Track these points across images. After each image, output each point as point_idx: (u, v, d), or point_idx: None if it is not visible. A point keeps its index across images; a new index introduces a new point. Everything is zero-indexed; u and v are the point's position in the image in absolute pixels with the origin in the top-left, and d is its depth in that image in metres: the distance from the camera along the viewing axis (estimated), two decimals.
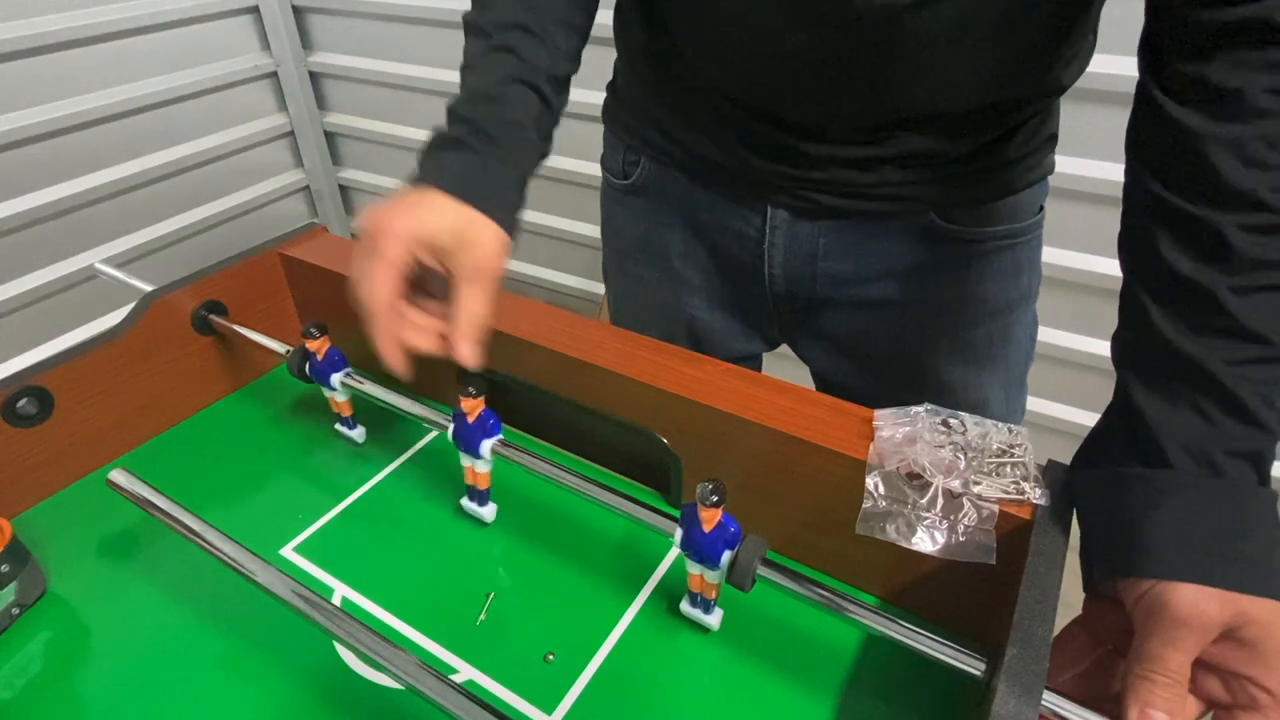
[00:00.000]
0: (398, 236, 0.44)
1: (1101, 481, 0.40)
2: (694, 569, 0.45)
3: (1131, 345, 0.42)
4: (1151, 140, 0.42)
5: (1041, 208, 0.64)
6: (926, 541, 0.43)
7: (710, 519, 0.42)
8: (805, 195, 0.59)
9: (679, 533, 0.44)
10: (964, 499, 0.42)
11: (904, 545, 0.43)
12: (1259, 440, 0.37)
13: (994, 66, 0.50)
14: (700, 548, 0.43)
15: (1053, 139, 0.61)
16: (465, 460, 0.53)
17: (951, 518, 0.43)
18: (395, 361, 0.45)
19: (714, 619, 0.48)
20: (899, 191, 0.58)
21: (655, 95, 0.64)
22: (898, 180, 0.57)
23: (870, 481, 0.44)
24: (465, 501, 0.56)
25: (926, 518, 0.43)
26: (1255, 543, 0.35)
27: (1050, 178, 0.63)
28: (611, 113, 0.71)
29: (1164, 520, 0.36)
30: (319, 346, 0.58)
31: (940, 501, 0.43)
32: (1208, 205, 0.38)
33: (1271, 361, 0.37)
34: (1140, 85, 0.43)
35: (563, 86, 0.54)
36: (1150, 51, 0.43)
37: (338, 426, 0.64)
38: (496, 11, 0.53)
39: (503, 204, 0.48)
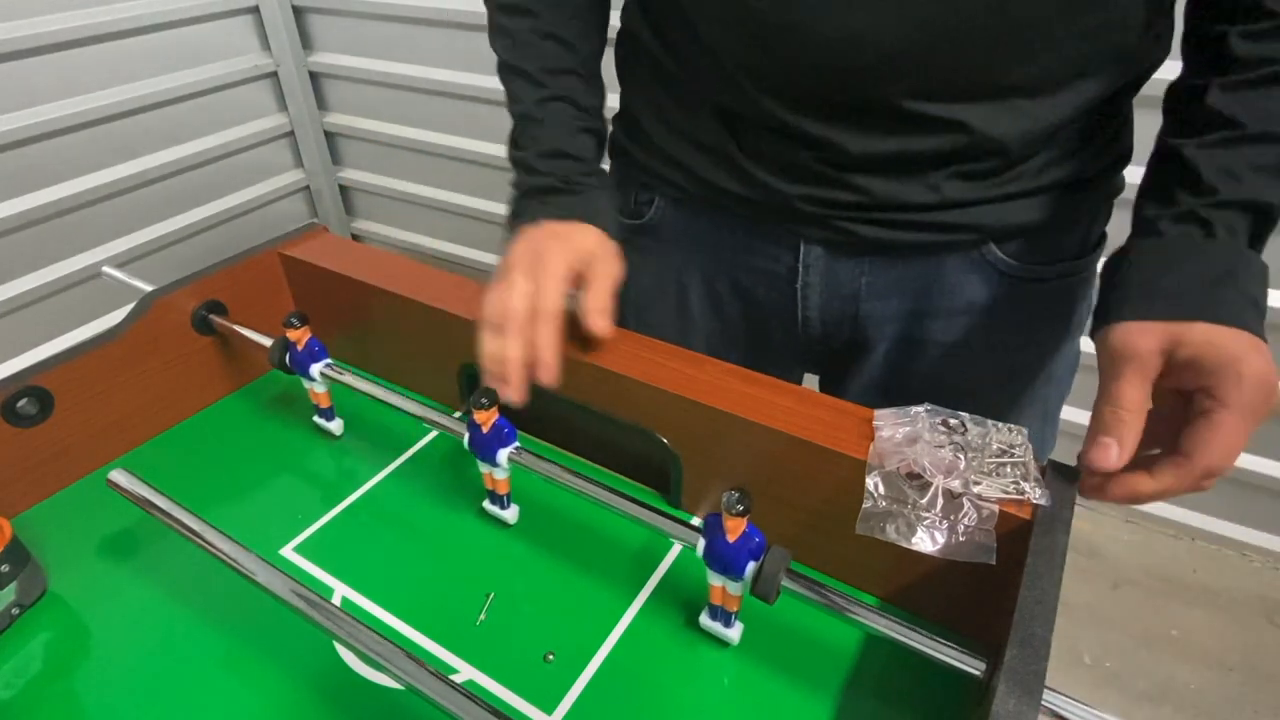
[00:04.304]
0: (561, 253, 0.51)
1: (1104, 267, 0.47)
2: (715, 580, 0.45)
3: (1150, 167, 0.48)
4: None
5: (1104, 235, 0.60)
6: (926, 541, 0.43)
7: (735, 528, 0.42)
8: (842, 226, 0.55)
9: (701, 543, 0.44)
10: (964, 499, 0.42)
11: (904, 545, 0.43)
12: (1205, 207, 0.43)
13: (1089, 29, 0.46)
14: (724, 558, 0.43)
15: (1124, 159, 0.57)
16: (484, 467, 0.53)
17: (952, 518, 0.43)
18: (527, 377, 0.50)
19: (734, 633, 0.47)
20: (953, 217, 0.53)
21: (667, 125, 0.60)
22: (954, 198, 0.52)
23: (870, 481, 0.44)
24: (487, 504, 0.56)
25: (926, 518, 0.43)
26: (1186, 279, 0.41)
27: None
28: (619, 147, 0.66)
29: (1118, 280, 0.44)
30: (299, 337, 0.59)
31: (940, 501, 0.43)
32: (1224, 21, 0.45)
33: (1238, 142, 0.43)
34: None
35: (604, 105, 0.61)
36: None
37: (316, 419, 0.64)
38: (538, 55, 0.58)
39: (611, 223, 0.57)
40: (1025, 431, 0.45)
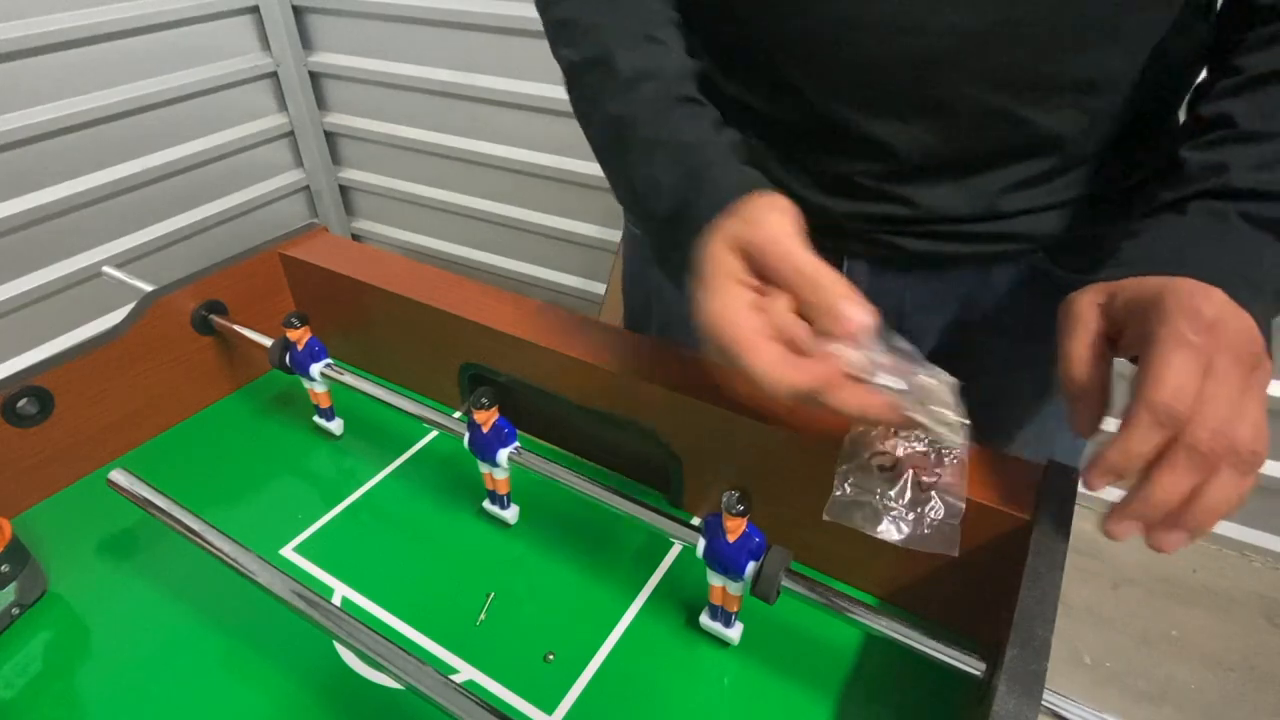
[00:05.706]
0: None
1: None
2: (715, 580, 0.45)
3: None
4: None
5: None
6: (892, 531, 0.42)
7: (735, 528, 0.42)
8: (888, 241, 0.52)
9: (701, 543, 0.44)
10: (932, 493, 0.42)
11: (869, 534, 0.43)
12: (1182, 198, 0.42)
13: (1150, 23, 0.46)
14: (724, 558, 0.43)
15: None
16: (484, 467, 0.53)
17: (919, 510, 0.43)
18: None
19: (734, 633, 0.47)
20: (1002, 227, 0.51)
21: None
22: (1004, 209, 0.50)
23: (842, 469, 0.44)
24: (487, 504, 0.56)
25: (894, 509, 0.43)
26: (1135, 248, 0.41)
27: None
28: None
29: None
30: (299, 337, 0.59)
31: (909, 494, 0.43)
32: (1242, 27, 0.44)
33: (1229, 140, 0.43)
34: None
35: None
36: None
37: (316, 419, 0.64)
38: (667, 53, 0.47)
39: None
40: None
